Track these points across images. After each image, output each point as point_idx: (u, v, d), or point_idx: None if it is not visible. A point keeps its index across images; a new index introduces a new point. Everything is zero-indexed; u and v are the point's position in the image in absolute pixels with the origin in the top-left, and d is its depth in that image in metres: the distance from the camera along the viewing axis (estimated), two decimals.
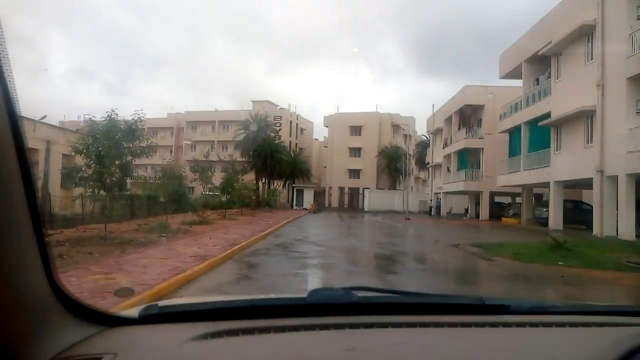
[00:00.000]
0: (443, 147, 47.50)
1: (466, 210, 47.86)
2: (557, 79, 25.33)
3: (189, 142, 74.28)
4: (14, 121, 0.70)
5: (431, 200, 51.50)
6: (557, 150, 25.23)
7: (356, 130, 69.39)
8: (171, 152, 70.32)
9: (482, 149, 40.45)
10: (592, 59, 21.55)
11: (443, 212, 47.83)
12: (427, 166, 53.03)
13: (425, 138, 66.33)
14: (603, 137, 20.67)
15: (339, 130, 68.87)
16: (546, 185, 26.41)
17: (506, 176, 32.53)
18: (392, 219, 40.35)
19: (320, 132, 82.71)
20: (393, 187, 66.60)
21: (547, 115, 25.65)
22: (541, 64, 28.01)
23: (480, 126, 41.43)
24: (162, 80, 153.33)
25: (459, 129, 43.84)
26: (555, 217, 25.12)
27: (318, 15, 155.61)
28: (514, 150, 32.08)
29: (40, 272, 0.94)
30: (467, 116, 42.06)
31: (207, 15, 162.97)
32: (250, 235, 16.61)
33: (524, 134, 29.24)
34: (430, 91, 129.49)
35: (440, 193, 49.17)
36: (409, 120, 76.78)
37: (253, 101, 71.26)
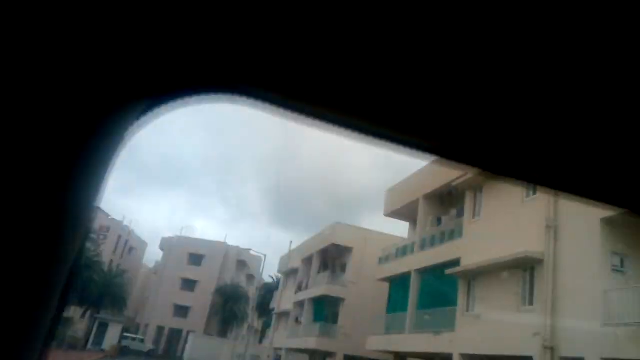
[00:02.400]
0: (296, 292, 38.51)
1: None
2: (474, 217, 19.24)
3: None
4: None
5: (268, 357, 40.39)
6: (467, 310, 17.94)
7: (196, 259, 57.67)
8: None
9: (343, 299, 32.40)
10: (535, 192, 15.71)
11: None
12: (273, 313, 43.00)
13: (272, 280, 57.02)
14: (556, 297, 13.86)
15: (175, 257, 56.46)
16: (448, 357, 18.45)
17: (381, 338, 24.16)
18: None
19: (153, 258, 68.54)
20: (224, 334, 53.95)
21: (454, 262, 18.89)
22: (445, 201, 22.35)
23: (345, 272, 34.02)
24: None
25: (319, 272, 35.86)
26: None
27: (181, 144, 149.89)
28: (394, 305, 24.41)
29: None
30: (333, 258, 34.59)
31: None
32: None
33: (414, 285, 21.97)
34: (282, 240, 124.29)
35: (281, 349, 38.65)
36: (257, 260, 67.72)
37: None
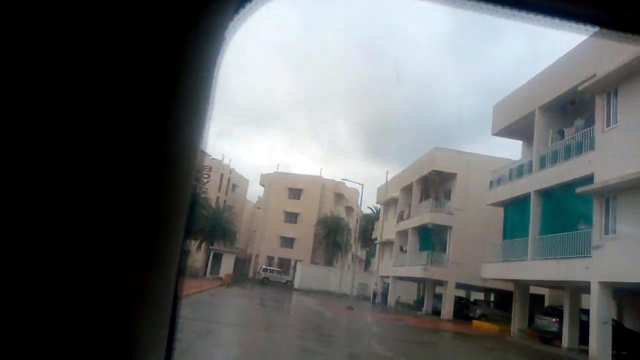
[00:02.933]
0: (397, 222, 37.65)
1: (418, 302, 37.29)
2: (608, 126, 16.24)
3: None
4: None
5: (376, 284, 40.69)
6: (607, 233, 15.56)
7: (295, 193, 58.94)
8: None
9: (451, 227, 30.82)
10: None
11: (390, 300, 36.99)
12: (375, 243, 42.90)
13: (371, 211, 56.81)
14: None
15: (275, 192, 58.11)
16: (582, 286, 16.43)
17: (498, 265, 22.51)
18: (330, 306, 28.87)
19: (255, 194, 71.53)
20: (329, 263, 55.56)
21: (584, 180, 16.30)
22: (568, 110, 19.30)
23: (449, 199, 32.18)
24: None
25: (421, 200, 34.39)
26: (599, 338, 14.93)
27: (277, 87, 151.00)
28: (511, 231, 22.41)
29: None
30: (435, 185, 32.82)
31: None
32: None
33: (535, 208, 19.70)
34: (375, 175, 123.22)
35: (388, 277, 38.62)
36: (354, 192, 67.74)
37: None
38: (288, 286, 49.62)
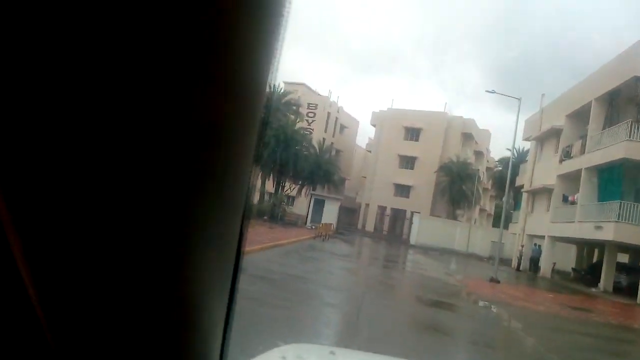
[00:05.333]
0: (561, 161, 26.35)
1: (586, 273, 26.27)
2: None
3: None
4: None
5: (522, 245, 30.13)
6: None
7: (413, 133, 49.02)
8: None
9: None
10: None
11: (544, 268, 26.51)
12: (521, 191, 31.96)
13: (511, 154, 44.83)
14: None
15: (389, 132, 48.77)
16: None
17: None
18: (463, 275, 19.80)
19: (366, 137, 62.82)
20: (453, 216, 45.56)
21: None
22: None
23: None
24: None
25: (605, 127, 22.72)
26: None
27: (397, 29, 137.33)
28: None
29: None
30: (634, 102, 20.89)
31: None
32: None
33: None
34: (508, 124, 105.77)
35: (540, 237, 27.95)
36: (485, 134, 55.58)
37: (285, 82, 51.62)
38: (402, 241, 41.09)
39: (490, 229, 46.48)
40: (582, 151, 23.90)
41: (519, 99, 20.90)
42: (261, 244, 14.38)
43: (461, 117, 48.78)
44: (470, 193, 43.89)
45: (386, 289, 12.76)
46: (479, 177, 45.54)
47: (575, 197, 24.24)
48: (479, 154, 52.32)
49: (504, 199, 22.14)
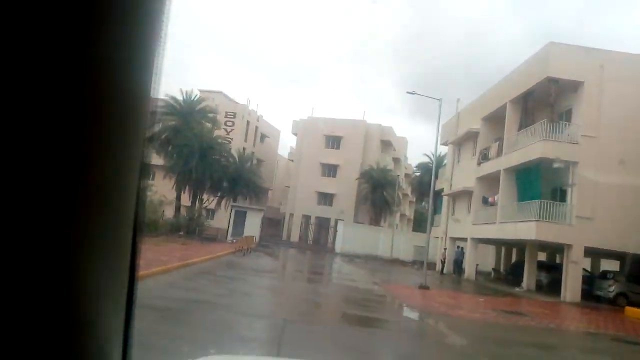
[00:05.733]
0: (479, 163, 26.66)
1: (508, 273, 26.83)
2: None
3: None
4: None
5: (444, 249, 30.13)
6: None
7: (334, 141, 48.40)
8: None
9: (575, 163, 19.71)
10: None
11: (469, 270, 26.53)
12: (442, 195, 32.08)
13: (429, 159, 45.66)
14: None
15: (311, 140, 47.76)
16: None
17: None
18: (393, 282, 18.83)
19: (288, 146, 61.37)
20: (376, 222, 45.37)
21: None
22: None
23: (569, 121, 20.92)
24: None
25: (520, 128, 23.14)
26: None
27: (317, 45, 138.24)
28: None
29: None
30: (546, 103, 21.34)
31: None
32: None
33: None
34: (422, 134, 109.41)
35: (462, 239, 28.08)
36: (402, 142, 56.54)
37: (201, 90, 48.38)
38: (327, 250, 39.93)
39: (411, 233, 46.99)
40: (500, 153, 24.22)
41: (439, 99, 20.53)
42: (165, 264, 12.11)
43: (379, 124, 49.03)
44: (392, 199, 44.01)
45: (310, 308, 11.14)
46: (399, 183, 45.88)
47: (495, 199, 24.47)
48: (397, 161, 53.01)
49: (429, 202, 21.43)
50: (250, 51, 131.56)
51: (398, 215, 53.57)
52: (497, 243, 27.73)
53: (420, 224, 61.39)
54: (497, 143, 24.78)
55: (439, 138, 34.64)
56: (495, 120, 25.86)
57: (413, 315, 11.77)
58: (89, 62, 0.36)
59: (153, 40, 0.41)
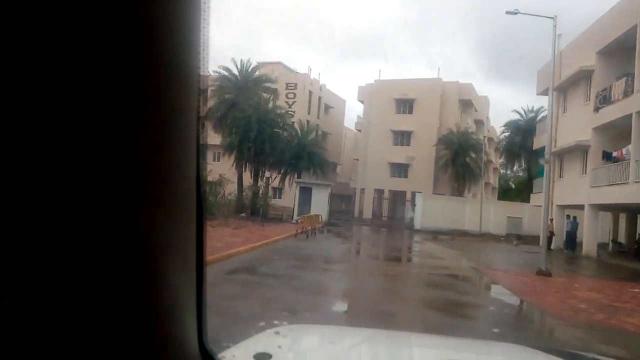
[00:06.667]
0: (596, 109, 20.81)
1: (628, 245, 21.00)
2: None
3: None
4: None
5: (551, 219, 24.60)
6: None
7: (406, 105, 43.33)
8: None
9: None
10: None
11: (588, 245, 21.09)
12: (540, 156, 26.32)
13: (519, 115, 39.28)
14: None
15: (379, 106, 43.09)
16: None
17: None
18: (494, 265, 14.29)
19: (355, 117, 57.01)
20: (459, 193, 40.09)
21: None
22: None
23: None
24: None
25: None
26: None
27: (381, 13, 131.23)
28: None
29: (193, 327, 0.59)
30: None
31: None
32: None
33: None
34: (501, 98, 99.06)
35: (576, 207, 22.51)
36: (484, 101, 50.01)
37: (259, 62, 44.99)
38: (406, 227, 35.61)
39: (501, 203, 41.12)
40: (629, 92, 18.33)
41: (554, 18, 15.17)
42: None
43: (457, 82, 43.10)
44: (476, 166, 38.38)
45: (393, 315, 7.21)
46: (485, 147, 40.09)
47: (623, 152, 18.78)
48: (479, 123, 46.81)
49: (548, 158, 16.48)
50: (313, 25, 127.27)
51: (483, 183, 47.70)
52: (629, 210, 21.88)
53: (505, 192, 54.75)
54: (624, 80, 18.85)
55: (535, 89, 28.95)
56: (618, 51, 19.82)
57: (561, 330, 7.42)
58: (133, 50, 0.36)
59: (197, 19, 0.41)
